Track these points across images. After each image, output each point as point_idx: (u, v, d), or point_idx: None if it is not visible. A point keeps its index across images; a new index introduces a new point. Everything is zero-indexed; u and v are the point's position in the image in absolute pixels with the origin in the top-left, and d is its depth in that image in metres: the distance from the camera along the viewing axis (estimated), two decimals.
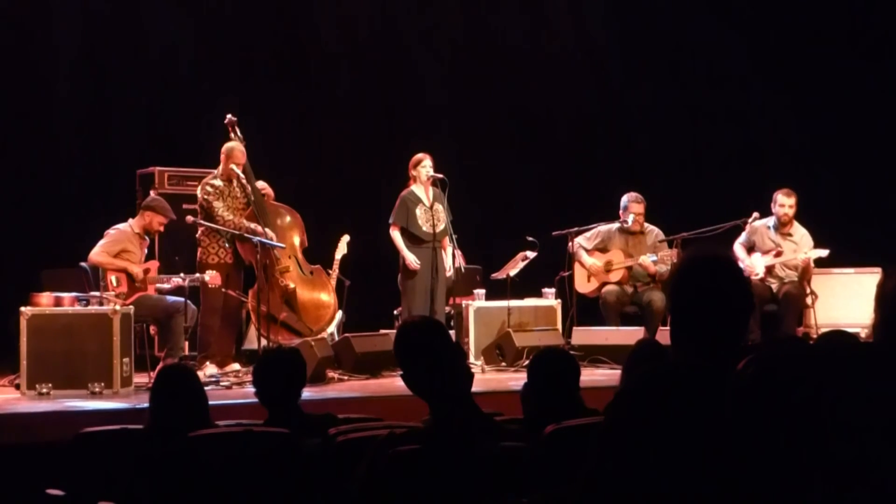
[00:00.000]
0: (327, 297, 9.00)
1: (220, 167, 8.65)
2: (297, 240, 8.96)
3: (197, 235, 8.64)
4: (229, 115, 8.88)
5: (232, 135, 8.81)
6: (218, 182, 8.60)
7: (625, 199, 9.75)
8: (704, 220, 9.64)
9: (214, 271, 8.33)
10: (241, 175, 8.59)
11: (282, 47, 11.78)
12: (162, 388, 4.30)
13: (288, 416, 4.23)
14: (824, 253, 9.47)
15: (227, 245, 8.57)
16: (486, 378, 8.51)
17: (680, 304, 2.58)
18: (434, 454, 3.25)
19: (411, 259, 8.94)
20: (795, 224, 9.61)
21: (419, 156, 9.15)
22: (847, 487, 2.16)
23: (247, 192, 8.68)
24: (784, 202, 9.54)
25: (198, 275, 8.32)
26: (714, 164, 11.98)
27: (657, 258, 9.48)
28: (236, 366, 8.53)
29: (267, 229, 8.56)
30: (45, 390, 7.44)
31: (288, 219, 8.98)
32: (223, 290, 8.44)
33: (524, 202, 11.85)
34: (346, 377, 8.33)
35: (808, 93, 11.68)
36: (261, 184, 8.78)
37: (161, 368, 4.75)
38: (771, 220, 9.66)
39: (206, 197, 8.53)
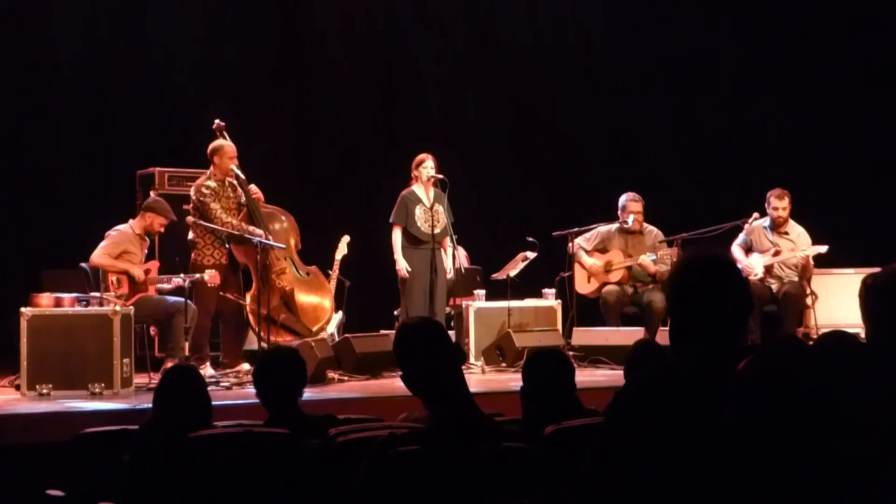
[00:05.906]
0: (324, 297, 8.97)
1: (213, 167, 8.61)
2: (291, 241, 8.93)
3: (190, 238, 8.56)
4: (217, 120, 8.76)
5: (221, 140, 8.75)
6: (212, 183, 8.55)
7: (623, 199, 9.75)
8: (704, 221, 9.64)
9: (213, 270, 8.32)
10: (241, 174, 8.58)
11: (281, 47, 11.78)
12: (168, 388, 4.29)
13: (288, 417, 4.22)
14: (823, 249, 9.47)
15: (224, 246, 8.54)
16: (486, 379, 8.51)
17: (679, 305, 2.58)
18: (434, 455, 3.25)
19: (402, 266, 8.95)
20: (791, 223, 9.60)
21: (421, 156, 9.16)
22: (848, 488, 2.16)
23: (237, 193, 8.65)
24: (777, 205, 9.53)
25: (197, 275, 8.29)
26: (714, 165, 11.97)
27: (657, 257, 9.48)
28: (246, 366, 8.39)
29: (265, 232, 8.53)
30: (45, 391, 7.43)
31: (284, 222, 8.92)
32: (221, 293, 8.41)
33: (524, 203, 11.85)
34: (346, 378, 8.32)
35: (808, 93, 11.68)
36: (252, 188, 8.72)
37: (168, 368, 4.73)
38: (767, 221, 9.65)
39: (201, 199, 8.46)
